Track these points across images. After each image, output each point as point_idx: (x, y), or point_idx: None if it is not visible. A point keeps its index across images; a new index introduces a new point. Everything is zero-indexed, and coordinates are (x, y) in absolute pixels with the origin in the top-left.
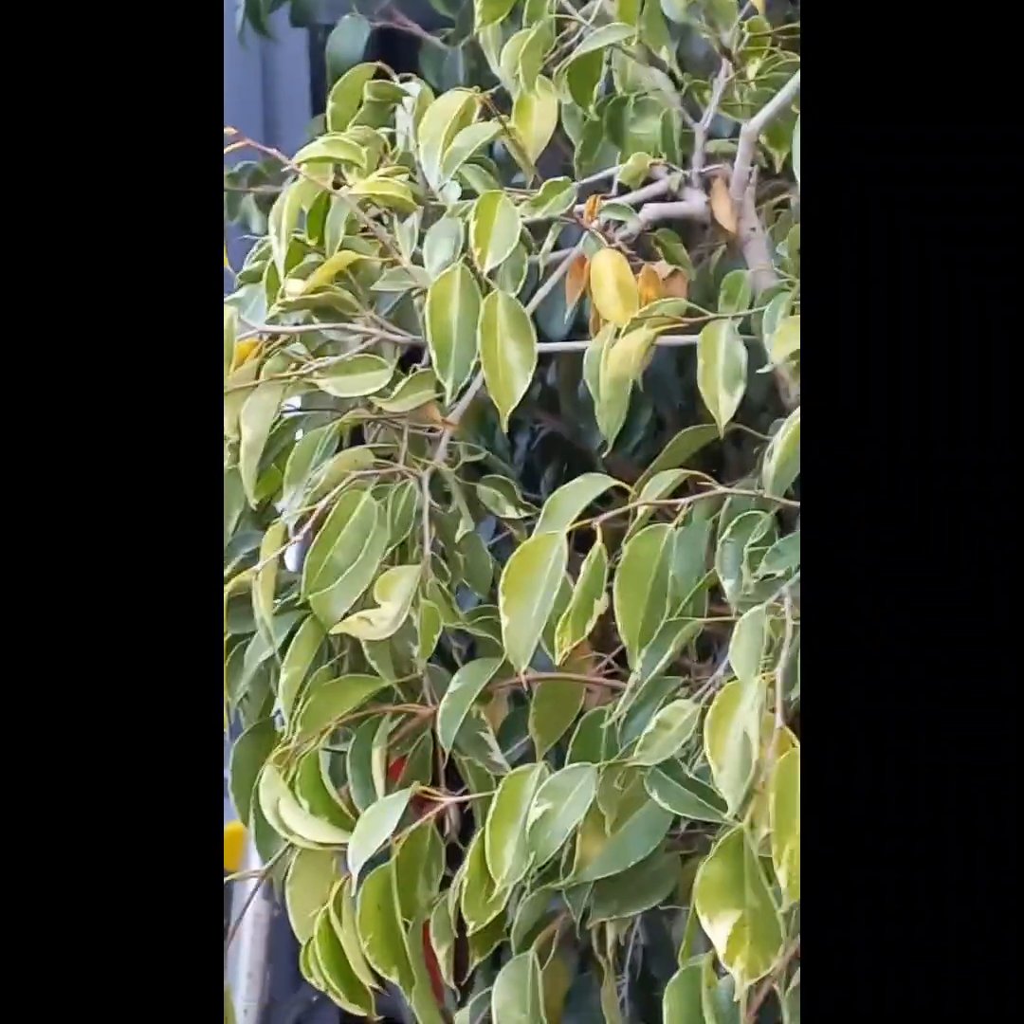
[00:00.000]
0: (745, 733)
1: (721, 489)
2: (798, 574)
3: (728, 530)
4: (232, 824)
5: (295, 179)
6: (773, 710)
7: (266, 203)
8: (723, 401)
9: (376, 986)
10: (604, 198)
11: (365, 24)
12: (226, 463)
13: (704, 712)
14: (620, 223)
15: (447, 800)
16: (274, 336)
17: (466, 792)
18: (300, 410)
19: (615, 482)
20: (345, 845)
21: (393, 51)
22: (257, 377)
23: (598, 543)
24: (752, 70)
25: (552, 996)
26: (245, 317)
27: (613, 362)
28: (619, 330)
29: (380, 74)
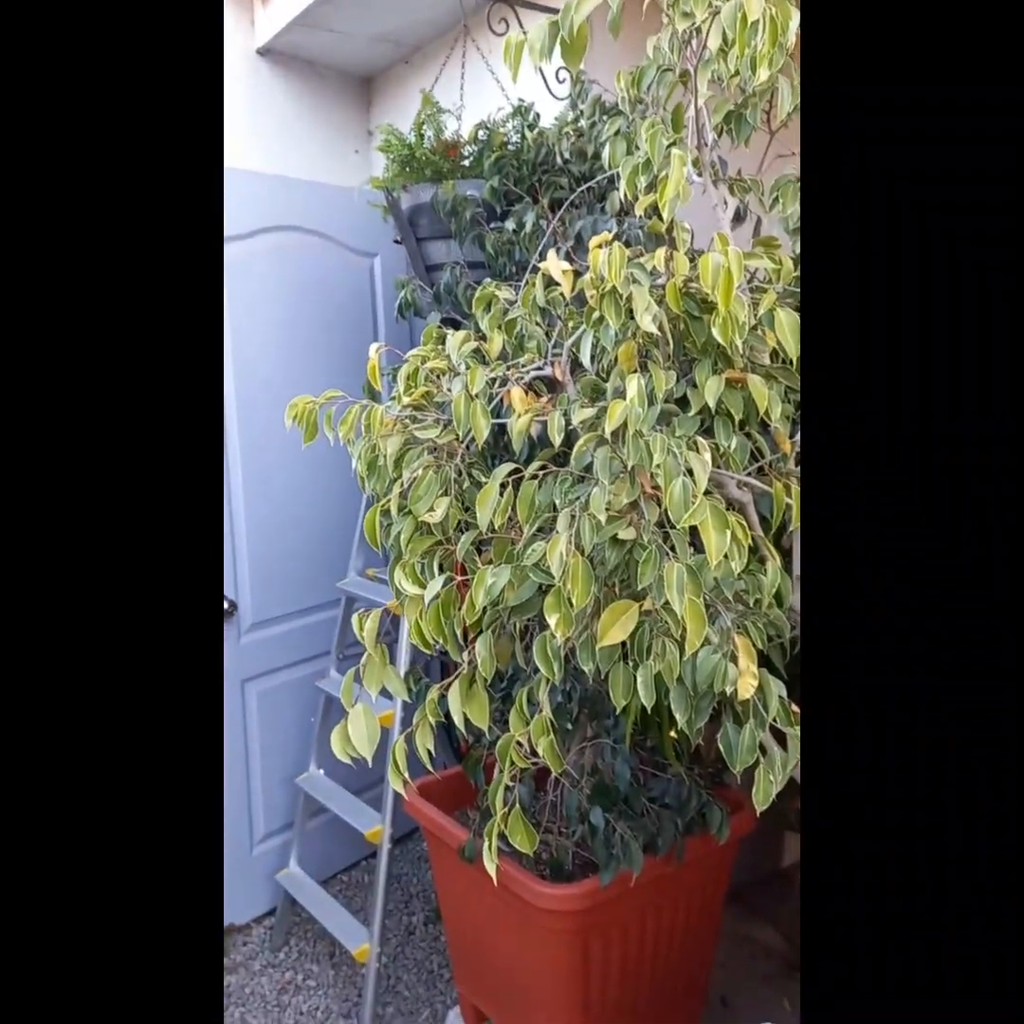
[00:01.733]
0: None
1: None
2: None
3: None
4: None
5: (406, 362)
6: None
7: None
8: None
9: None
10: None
11: (438, 315)
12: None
13: None
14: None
15: (458, 579)
16: (400, 417)
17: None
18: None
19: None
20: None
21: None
22: (392, 429)
23: None
24: None
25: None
26: (387, 410)
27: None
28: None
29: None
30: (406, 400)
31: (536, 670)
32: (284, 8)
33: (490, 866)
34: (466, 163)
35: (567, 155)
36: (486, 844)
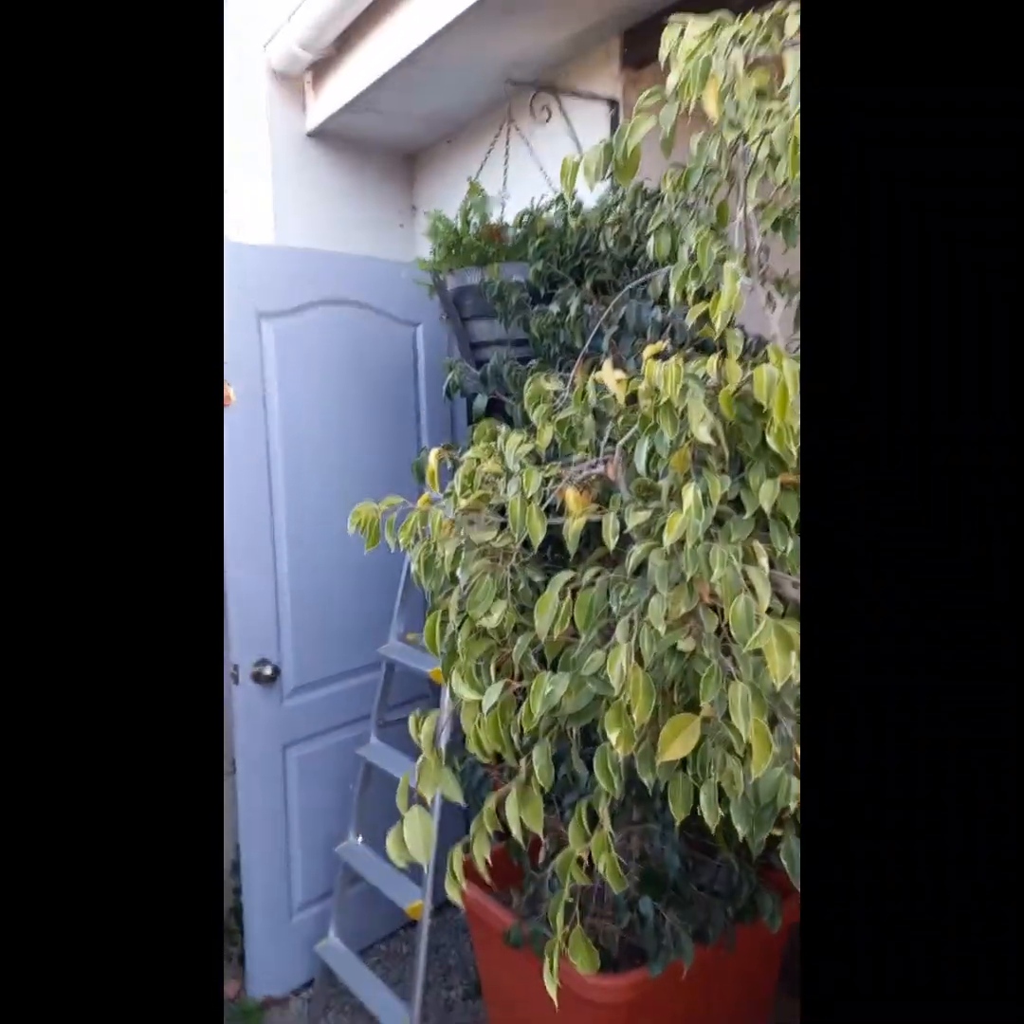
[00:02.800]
0: None
1: None
2: None
3: None
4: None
5: (462, 464)
6: None
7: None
8: None
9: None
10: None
11: (485, 396)
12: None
13: None
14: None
15: (516, 685)
16: (452, 521)
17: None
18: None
19: None
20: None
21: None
22: (450, 532)
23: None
24: None
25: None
26: (443, 512)
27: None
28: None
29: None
30: (463, 503)
31: (591, 776)
32: (336, 94)
33: (551, 986)
34: (509, 245)
35: (611, 243)
36: (548, 964)
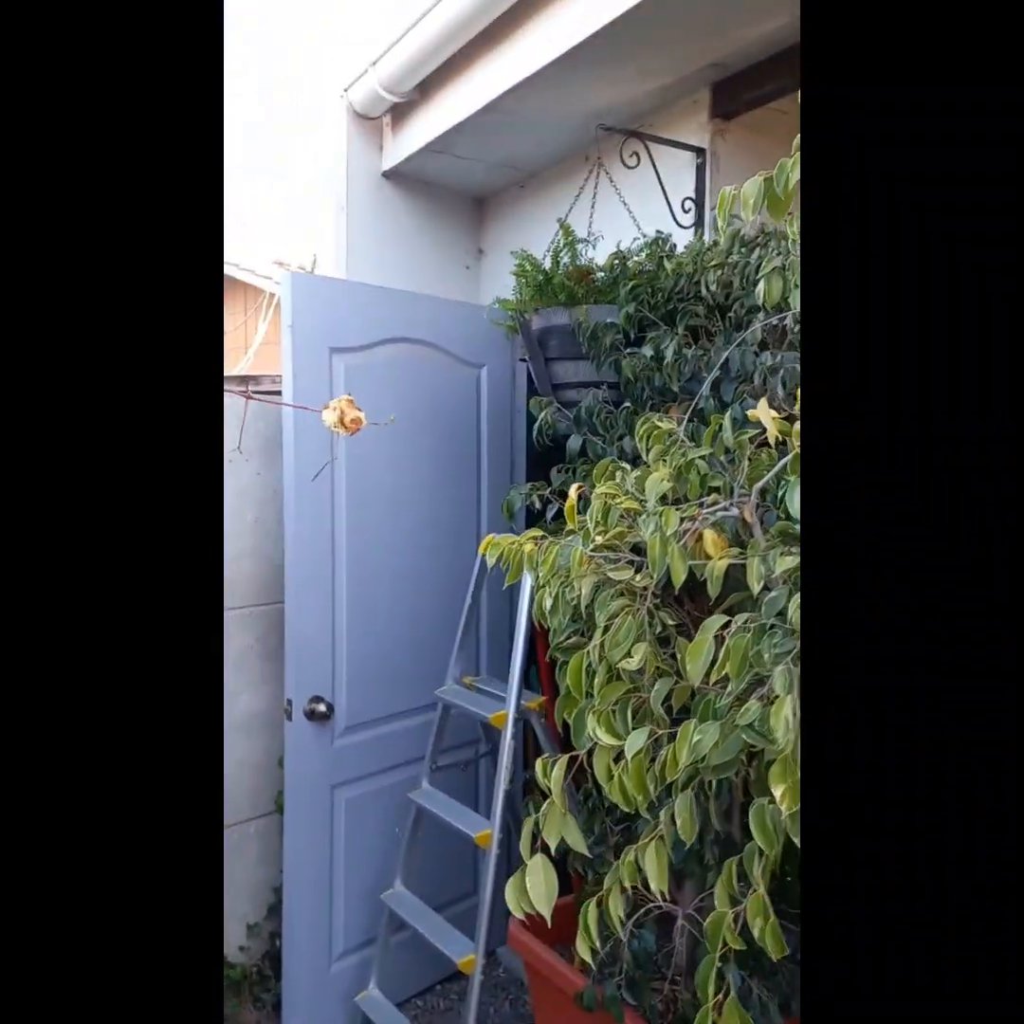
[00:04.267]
0: None
1: None
2: None
3: None
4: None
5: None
6: None
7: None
8: None
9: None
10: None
11: (580, 437)
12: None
13: None
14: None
15: (661, 731)
16: (590, 557)
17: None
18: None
19: None
20: (622, 745)
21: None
22: (586, 569)
23: None
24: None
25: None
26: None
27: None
28: None
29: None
30: (598, 539)
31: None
32: (416, 136)
33: None
34: (598, 288)
35: (712, 287)
36: None
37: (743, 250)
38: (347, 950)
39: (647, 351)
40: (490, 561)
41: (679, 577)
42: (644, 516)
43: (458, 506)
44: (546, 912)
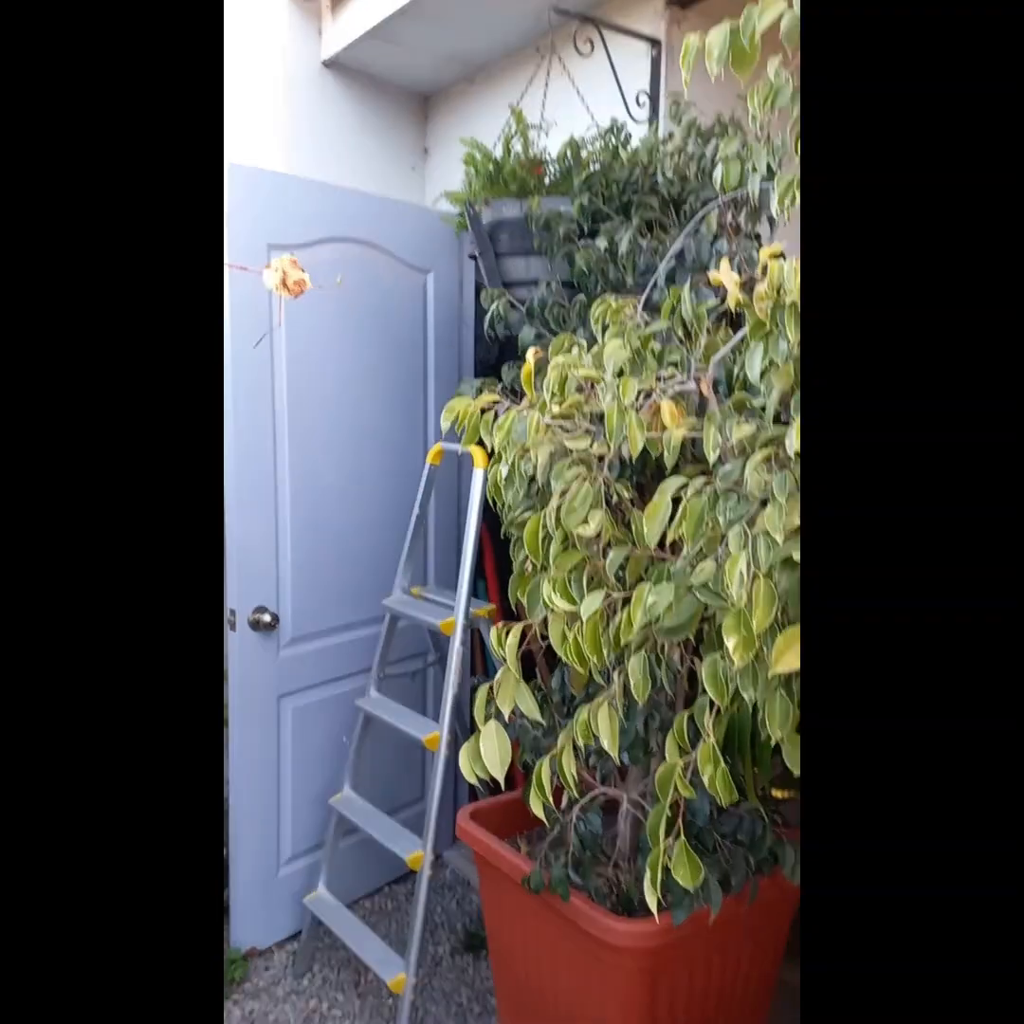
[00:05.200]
0: None
1: None
2: None
3: None
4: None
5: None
6: None
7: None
8: None
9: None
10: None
11: (532, 330)
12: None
13: None
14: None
15: (616, 595)
16: (548, 425)
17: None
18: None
19: None
20: (577, 610)
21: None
22: (543, 436)
23: None
24: None
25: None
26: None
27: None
28: None
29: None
30: (556, 409)
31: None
32: (357, 20)
33: (652, 900)
34: (548, 181)
35: (669, 175)
36: (649, 877)
37: (699, 141)
38: (295, 854)
39: (601, 243)
40: (445, 425)
41: (636, 446)
42: (602, 386)
43: (405, 414)
44: (500, 775)
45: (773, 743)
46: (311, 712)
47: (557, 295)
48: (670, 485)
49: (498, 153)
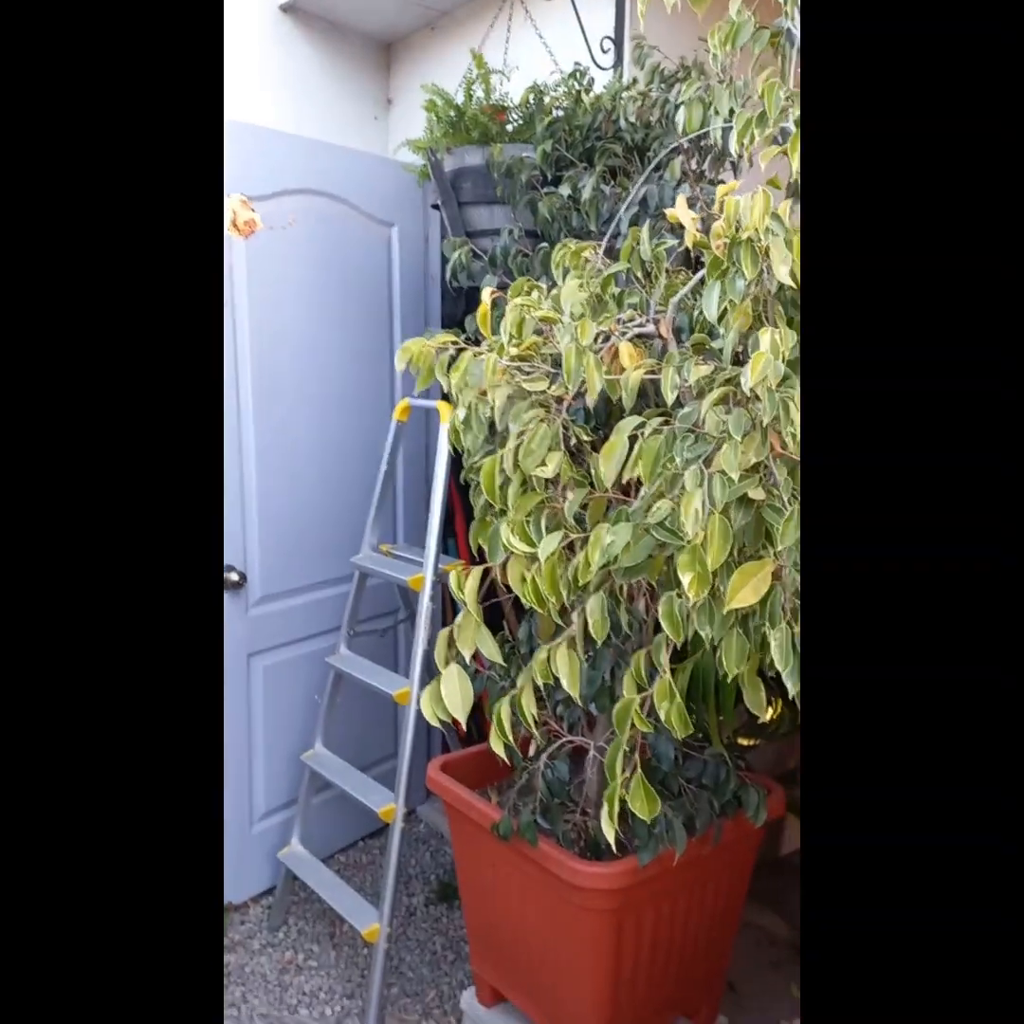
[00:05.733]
0: None
1: None
2: None
3: None
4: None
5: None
6: None
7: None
8: None
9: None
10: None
11: (495, 279)
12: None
13: None
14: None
15: (575, 536)
16: (506, 367)
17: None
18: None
19: None
20: (535, 551)
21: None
22: (500, 379)
23: None
24: None
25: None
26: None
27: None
28: None
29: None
30: (513, 351)
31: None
32: None
33: (609, 833)
34: (511, 127)
35: (632, 120)
36: (607, 811)
37: (662, 85)
38: (269, 811)
39: (564, 190)
40: (400, 367)
41: (594, 388)
42: (559, 327)
43: (372, 370)
44: (461, 717)
45: (736, 691)
46: (282, 671)
47: (520, 243)
48: (626, 425)
49: (460, 99)
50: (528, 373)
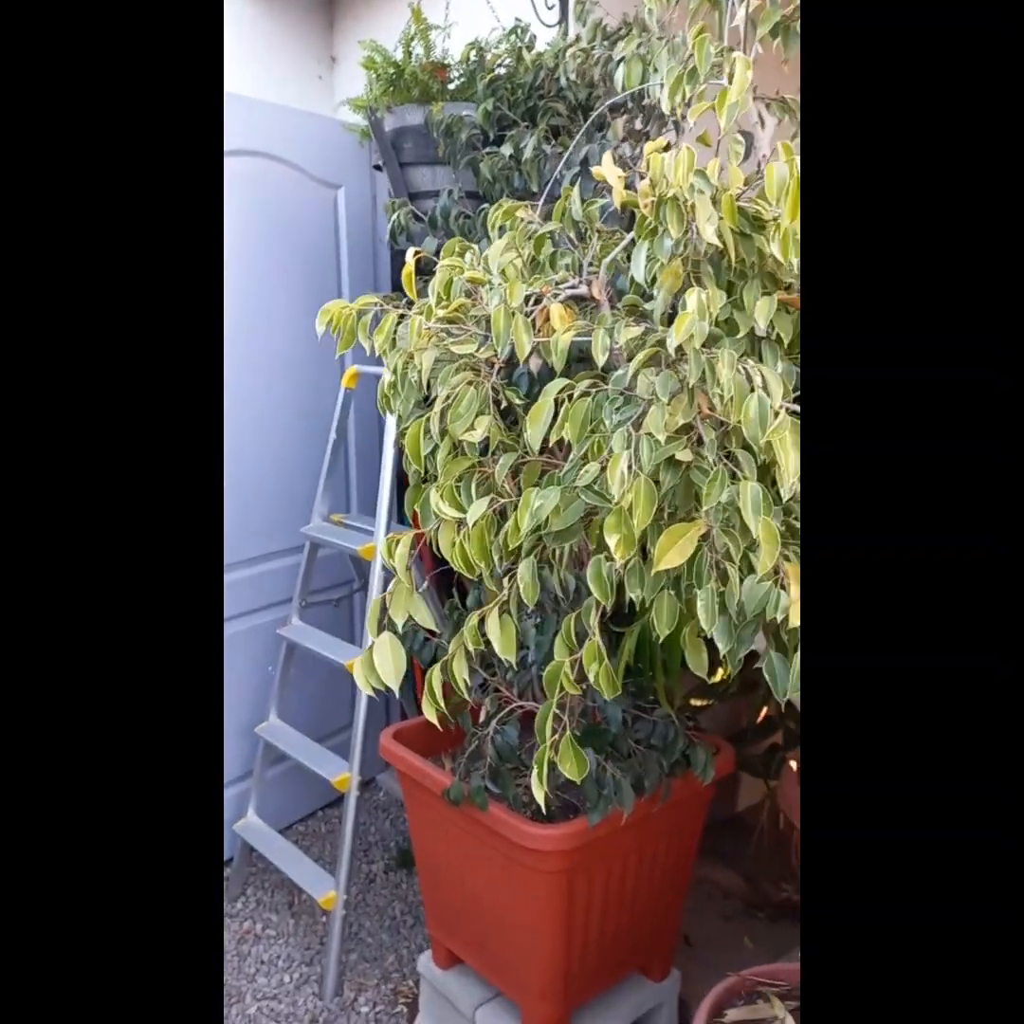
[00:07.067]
0: None
1: None
2: None
3: None
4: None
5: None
6: None
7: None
8: None
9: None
10: None
11: (434, 241)
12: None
13: None
14: None
15: (501, 501)
16: (434, 330)
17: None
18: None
19: None
20: (463, 517)
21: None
22: (427, 342)
23: None
24: None
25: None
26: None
27: None
28: None
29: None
30: (440, 313)
31: (572, 600)
32: None
33: (539, 793)
34: (453, 86)
35: (573, 77)
36: (537, 773)
37: (605, 43)
38: (225, 783)
39: (506, 150)
40: (320, 330)
41: (523, 349)
42: (488, 288)
43: (318, 337)
44: (394, 685)
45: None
46: (233, 643)
47: (461, 204)
48: (553, 387)
49: (400, 55)
50: (456, 336)
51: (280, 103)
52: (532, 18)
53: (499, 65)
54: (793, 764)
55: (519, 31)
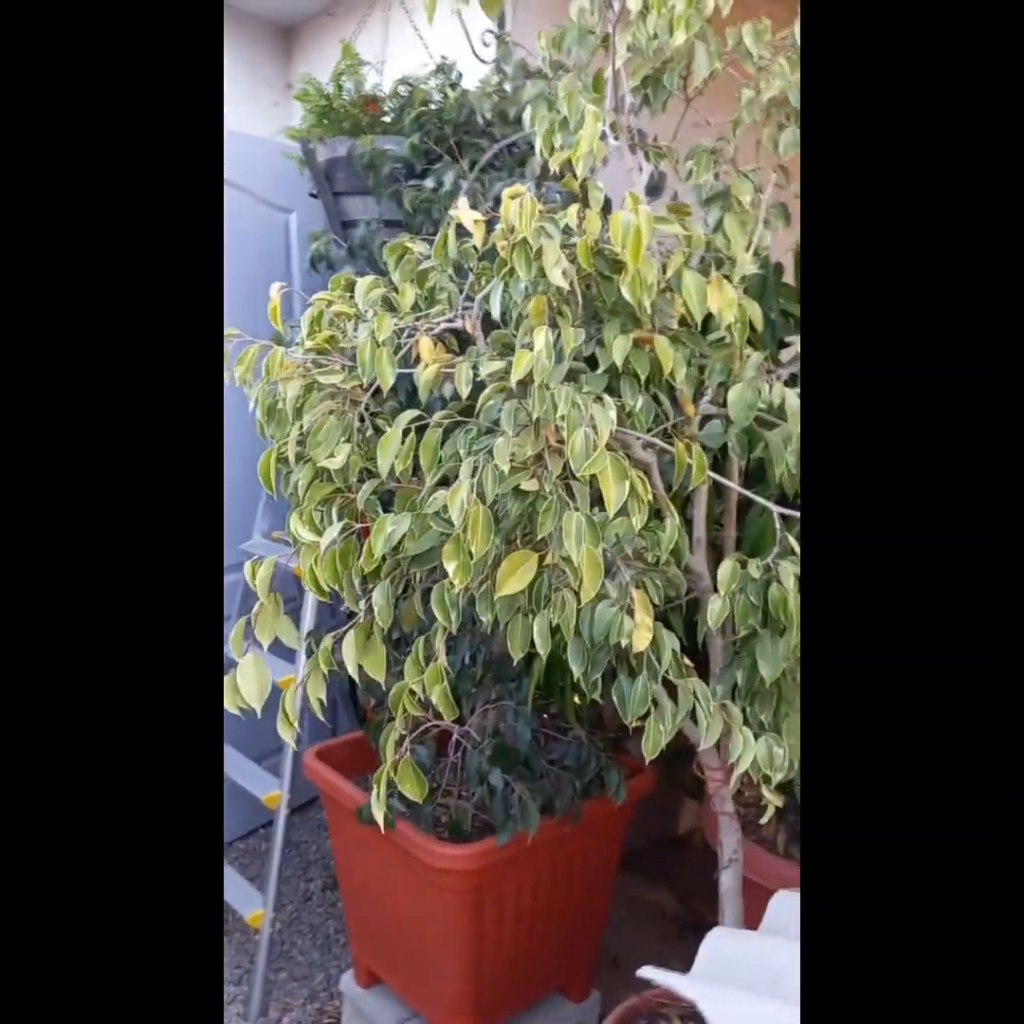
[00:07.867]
0: None
1: None
2: None
3: None
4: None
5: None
6: None
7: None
8: None
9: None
10: None
11: (352, 269)
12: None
13: None
14: None
15: (357, 526)
16: (303, 361)
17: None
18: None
19: None
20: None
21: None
22: (294, 373)
23: None
24: None
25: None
26: (290, 354)
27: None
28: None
29: None
30: (309, 344)
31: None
32: None
33: (379, 813)
34: (386, 119)
35: (488, 116)
36: (375, 792)
37: (526, 81)
38: None
39: (429, 183)
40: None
41: (387, 381)
42: (356, 321)
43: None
44: (257, 706)
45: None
46: None
47: (382, 234)
48: (404, 418)
49: (332, 89)
50: (322, 366)
51: (232, 128)
52: (471, 58)
53: (428, 101)
54: None
55: (445, 68)
